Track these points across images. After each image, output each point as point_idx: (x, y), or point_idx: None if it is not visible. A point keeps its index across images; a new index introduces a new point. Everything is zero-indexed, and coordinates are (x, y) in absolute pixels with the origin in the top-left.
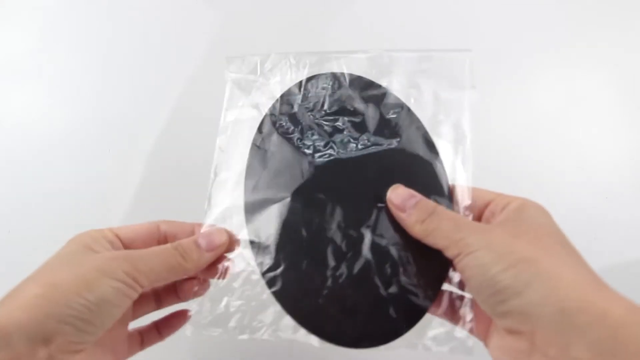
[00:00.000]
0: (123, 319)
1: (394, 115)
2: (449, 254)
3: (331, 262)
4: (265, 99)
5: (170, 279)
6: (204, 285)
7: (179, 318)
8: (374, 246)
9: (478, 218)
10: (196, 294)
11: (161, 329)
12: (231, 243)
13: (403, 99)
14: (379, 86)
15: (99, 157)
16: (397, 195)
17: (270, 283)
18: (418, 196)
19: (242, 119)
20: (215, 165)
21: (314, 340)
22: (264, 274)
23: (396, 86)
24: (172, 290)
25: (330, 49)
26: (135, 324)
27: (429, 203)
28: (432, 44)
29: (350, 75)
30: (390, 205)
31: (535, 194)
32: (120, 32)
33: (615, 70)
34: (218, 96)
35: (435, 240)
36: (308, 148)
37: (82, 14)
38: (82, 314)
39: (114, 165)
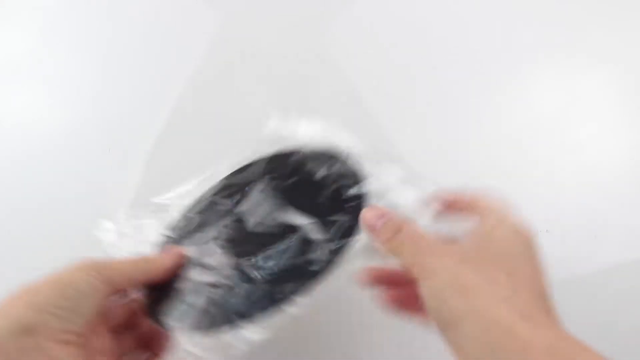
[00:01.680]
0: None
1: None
2: (412, 275)
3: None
4: None
5: (139, 278)
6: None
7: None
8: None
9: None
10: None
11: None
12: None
13: None
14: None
15: (99, 157)
16: (371, 216)
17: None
18: (387, 215)
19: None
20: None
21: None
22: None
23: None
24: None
25: (330, 49)
26: None
27: (396, 222)
28: (431, 43)
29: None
30: (363, 225)
31: (535, 194)
32: (120, 32)
33: (615, 70)
34: (218, 96)
35: (401, 260)
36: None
37: (82, 14)
38: (60, 302)
39: (114, 165)
